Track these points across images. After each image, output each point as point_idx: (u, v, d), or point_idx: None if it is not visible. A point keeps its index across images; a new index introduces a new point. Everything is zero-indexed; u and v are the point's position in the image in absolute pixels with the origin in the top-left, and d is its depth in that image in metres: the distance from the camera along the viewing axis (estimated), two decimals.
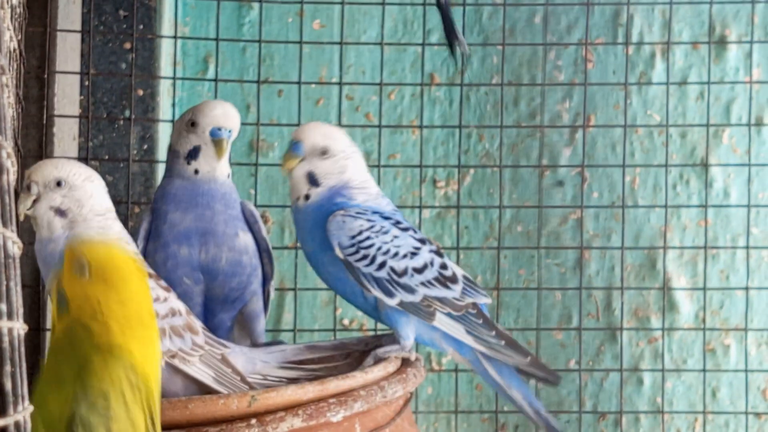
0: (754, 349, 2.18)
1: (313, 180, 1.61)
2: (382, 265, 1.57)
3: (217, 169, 1.63)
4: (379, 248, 1.58)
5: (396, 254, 1.58)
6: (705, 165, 2.18)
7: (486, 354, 1.61)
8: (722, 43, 2.19)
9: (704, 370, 2.12)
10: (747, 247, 2.14)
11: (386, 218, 1.61)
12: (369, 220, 1.59)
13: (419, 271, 1.59)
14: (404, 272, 1.58)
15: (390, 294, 1.57)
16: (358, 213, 1.59)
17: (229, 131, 1.63)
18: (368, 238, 1.58)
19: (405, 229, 1.61)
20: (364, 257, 1.57)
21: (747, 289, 2.14)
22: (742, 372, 2.13)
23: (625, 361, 2.15)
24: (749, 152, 2.14)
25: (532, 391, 1.68)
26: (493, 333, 1.60)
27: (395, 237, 1.59)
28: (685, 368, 2.18)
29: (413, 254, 1.60)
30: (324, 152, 1.61)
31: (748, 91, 2.16)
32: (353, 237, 1.57)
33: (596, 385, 2.19)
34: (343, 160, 1.62)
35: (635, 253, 2.18)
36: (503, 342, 1.61)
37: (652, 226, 2.18)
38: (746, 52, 2.18)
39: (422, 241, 1.62)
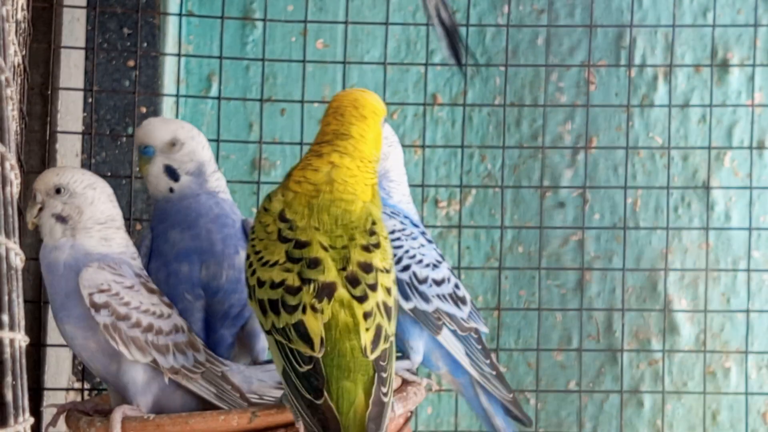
0: (754, 372, 2.18)
1: None
2: (406, 268, 1.58)
3: (194, 187, 1.61)
4: (407, 251, 1.59)
5: (420, 261, 1.59)
6: (706, 188, 2.18)
7: (477, 380, 1.62)
8: (724, 66, 2.20)
9: (704, 393, 2.11)
10: (748, 270, 2.13)
11: (415, 225, 1.62)
12: (402, 222, 1.60)
13: (438, 283, 1.60)
14: (424, 280, 1.59)
15: (407, 298, 1.57)
16: (392, 213, 1.60)
17: (149, 147, 1.61)
18: (399, 239, 1.59)
19: (430, 241, 1.63)
20: (392, 255, 1.57)
21: (748, 312, 2.13)
22: (743, 395, 2.12)
23: (625, 383, 2.15)
24: (751, 175, 2.14)
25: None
26: (488, 362, 1.61)
27: (422, 245, 1.61)
28: (686, 390, 2.17)
29: (435, 266, 1.61)
30: None
31: (750, 114, 2.16)
32: None
33: (596, 407, 2.18)
34: (385, 147, 1.63)
35: (636, 275, 2.18)
36: (494, 373, 1.62)
37: (653, 248, 2.18)
38: (748, 76, 2.19)
39: (442, 257, 1.63)
